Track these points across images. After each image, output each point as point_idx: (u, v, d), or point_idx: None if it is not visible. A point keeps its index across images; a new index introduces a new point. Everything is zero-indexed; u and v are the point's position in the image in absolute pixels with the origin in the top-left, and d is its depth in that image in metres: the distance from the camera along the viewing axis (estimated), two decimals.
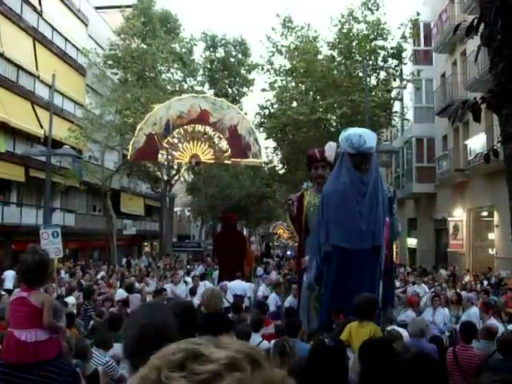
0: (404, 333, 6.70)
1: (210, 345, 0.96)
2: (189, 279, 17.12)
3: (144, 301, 13.00)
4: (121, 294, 13.00)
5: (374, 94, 25.24)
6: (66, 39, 32.32)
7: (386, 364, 3.41)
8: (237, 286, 13.64)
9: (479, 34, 3.95)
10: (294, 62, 26.78)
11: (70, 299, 11.62)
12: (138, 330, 2.36)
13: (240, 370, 0.91)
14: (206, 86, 36.64)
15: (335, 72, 25.71)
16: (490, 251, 23.18)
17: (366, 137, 7.67)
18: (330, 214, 7.66)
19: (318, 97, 26.57)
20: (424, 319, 8.01)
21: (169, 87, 32.59)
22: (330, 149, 9.79)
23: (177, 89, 32.11)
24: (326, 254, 7.65)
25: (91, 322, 9.79)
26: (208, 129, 15.98)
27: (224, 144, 16.02)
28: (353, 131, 7.85)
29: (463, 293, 13.01)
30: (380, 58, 26.62)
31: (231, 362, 0.92)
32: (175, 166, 33.65)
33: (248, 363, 0.93)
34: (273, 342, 6.53)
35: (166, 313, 2.53)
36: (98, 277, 18.45)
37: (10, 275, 17.60)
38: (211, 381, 0.90)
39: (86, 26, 35.31)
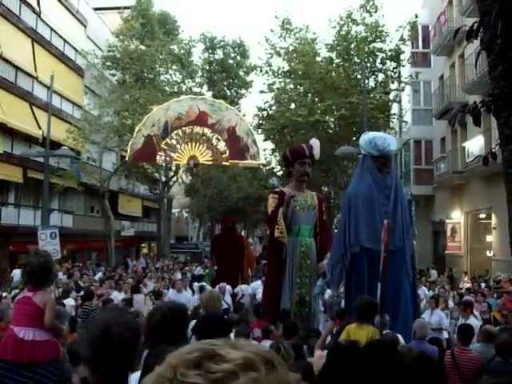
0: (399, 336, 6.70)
1: (225, 346, 0.97)
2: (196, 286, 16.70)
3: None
4: (116, 296, 12.98)
5: (372, 96, 25.24)
6: (65, 40, 32.30)
7: (389, 365, 3.41)
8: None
9: (479, 38, 3.96)
10: (293, 64, 26.79)
11: (69, 301, 11.59)
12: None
13: (255, 370, 0.93)
14: (205, 87, 36.71)
15: (333, 74, 25.72)
16: (488, 253, 23.20)
17: (390, 140, 8.02)
18: (358, 216, 7.77)
19: (317, 99, 26.58)
20: (426, 321, 8.01)
21: (167, 88, 32.58)
22: (317, 146, 9.82)
23: (175, 90, 32.10)
24: (354, 256, 7.70)
25: None
26: (206, 130, 15.97)
27: (222, 145, 16.01)
28: (377, 134, 8.20)
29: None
30: (378, 60, 26.64)
31: (246, 362, 0.93)
32: (173, 168, 33.64)
33: (263, 364, 0.94)
34: (267, 344, 6.52)
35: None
36: (96, 278, 18.43)
37: (18, 274, 17.70)
38: (226, 380, 0.91)
39: (85, 27, 35.30)
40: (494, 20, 3.58)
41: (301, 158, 9.74)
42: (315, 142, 10.07)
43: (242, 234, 44.15)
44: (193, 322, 7.19)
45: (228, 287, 14.62)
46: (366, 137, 8.05)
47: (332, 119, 26.85)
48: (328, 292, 13.59)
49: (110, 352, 2.29)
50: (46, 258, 5.62)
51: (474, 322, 9.58)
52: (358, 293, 7.29)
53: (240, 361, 0.93)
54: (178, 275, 20.03)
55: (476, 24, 3.99)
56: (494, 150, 4.63)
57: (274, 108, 28.73)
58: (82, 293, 12.81)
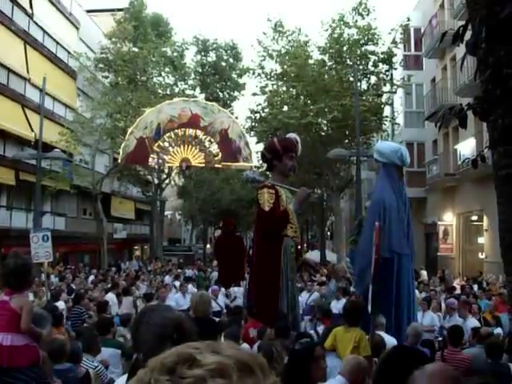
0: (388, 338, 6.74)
1: (207, 350, 0.98)
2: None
3: (134, 305, 13.02)
4: (110, 297, 12.97)
5: (364, 98, 25.33)
6: (57, 42, 32.25)
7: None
8: None
9: (465, 42, 4.00)
10: (285, 67, 26.83)
11: (61, 304, 11.56)
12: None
13: (225, 376, 0.92)
14: (197, 89, 36.65)
15: (326, 76, 25.77)
16: (480, 255, 23.31)
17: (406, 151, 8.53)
18: (392, 223, 8.07)
19: (309, 101, 26.63)
20: (420, 327, 8.05)
21: (160, 91, 32.56)
22: (298, 141, 9.74)
23: (168, 92, 32.08)
24: (384, 260, 7.85)
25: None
26: (199, 133, 15.99)
27: (215, 148, 16.04)
28: (399, 145, 8.84)
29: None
30: (371, 63, 26.72)
31: (218, 368, 0.93)
32: (166, 170, 33.62)
33: (237, 370, 0.94)
34: (256, 345, 6.53)
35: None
36: (89, 280, 18.40)
37: None
38: None
39: (78, 29, 35.25)
40: (479, 25, 3.62)
41: (291, 151, 9.33)
42: (296, 137, 9.85)
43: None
44: None
45: (222, 289, 14.68)
46: (391, 146, 8.50)
47: (324, 121, 26.89)
48: (315, 294, 13.67)
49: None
50: (25, 260, 5.50)
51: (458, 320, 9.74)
52: (385, 297, 7.57)
53: (212, 366, 0.93)
54: (167, 279, 19.93)
55: (462, 28, 4.04)
56: (483, 154, 4.67)
57: (266, 110, 28.75)
58: (73, 295, 12.81)
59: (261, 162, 10.54)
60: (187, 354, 0.96)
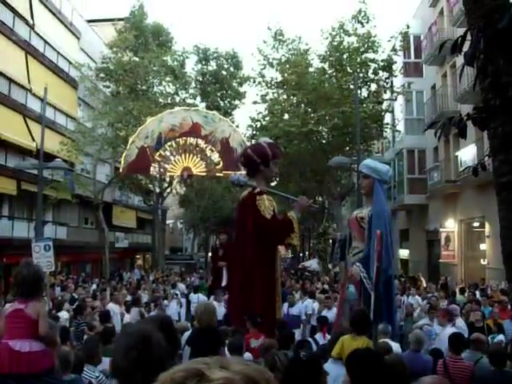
0: (395, 346, 6.74)
1: (215, 365, 1.00)
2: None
3: (142, 315, 13.00)
4: (111, 307, 12.96)
5: (365, 106, 25.37)
6: (58, 52, 32.35)
7: (374, 375, 3.43)
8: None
9: (463, 53, 4.03)
10: (286, 75, 26.89)
11: (63, 314, 11.55)
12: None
13: None
14: (198, 98, 36.75)
15: (326, 84, 25.83)
16: (482, 262, 23.26)
17: None
18: (391, 235, 8.64)
19: (310, 109, 26.68)
20: (423, 334, 8.02)
21: (161, 100, 32.66)
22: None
23: (169, 102, 32.19)
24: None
25: (85, 337, 9.73)
26: (200, 141, 15.98)
27: (216, 157, 16.02)
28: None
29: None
30: (371, 71, 26.78)
31: (225, 383, 0.95)
32: (167, 179, 33.65)
33: None
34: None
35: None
36: (90, 290, 18.40)
37: None
38: None
39: (78, 39, 35.38)
40: (477, 35, 3.65)
41: (278, 157, 9.38)
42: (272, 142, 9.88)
43: None
44: (187, 334, 7.20)
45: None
46: (384, 167, 9.00)
47: (325, 129, 26.94)
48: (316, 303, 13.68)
49: (148, 361, 2.29)
50: (37, 269, 5.65)
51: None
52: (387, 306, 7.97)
53: (220, 381, 0.95)
54: (181, 287, 20.11)
55: (460, 39, 4.06)
56: (483, 161, 4.69)
57: (267, 119, 28.81)
58: (75, 305, 12.79)
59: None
60: (196, 370, 0.99)
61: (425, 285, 20.41)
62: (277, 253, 9.07)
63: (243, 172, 14.93)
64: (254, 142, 29.23)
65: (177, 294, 18.12)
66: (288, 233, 8.69)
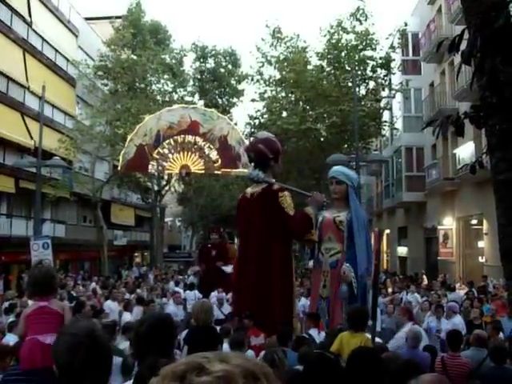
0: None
1: (215, 359, 1.04)
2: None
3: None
4: (108, 305, 12.97)
5: (363, 103, 25.39)
6: (56, 50, 32.31)
7: (373, 373, 3.45)
8: None
9: (460, 52, 4.04)
10: (284, 73, 26.91)
11: None
12: None
13: (231, 383, 0.99)
14: (196, 96, 36.74)
15: (324, 82, 25.85)
16: (480, 259, 23.28)
17: None
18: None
19: (308, 107, 26.70)
20: (419, 331, 8.00)
21: (159, 98, 32.65)
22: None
23: (167, 99, 32.14)
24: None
25: None
26: (198, 139, 15.97)
27: (214, 154, 16.02)
28: None
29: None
30: (369, 68, 26.79)
31: (225, 375, 0.99)
32: (166, 177, 33.64)
33: (243, 377, 1.00)
34: (263, 353, 6.51)
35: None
36: (90, 288, 18.38)
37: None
38: None
39: (76, 36, 35.34)
40: (474, 35, 3.66)
41: (281, 153, 9.46)
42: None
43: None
44: (185, 332, 7.20)
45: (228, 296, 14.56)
46: (354, 174, 9.79)
47: (323, 127, 26.95)
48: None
49: (97, 357, 2.35)
50: (48, 267, 5.90)
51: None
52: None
53: (219, 373, 0.99)
54: (171, 284, 19.99)
55: (457, 38, 4.08)
56: (481, 159, 4.71)
57: (265, 116, 28.83)
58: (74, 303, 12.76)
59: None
60: (196, 363, 1.03)
61: (426, 282, 20.44)
62: (291, 250, 9.31)
63: (241, 169, 14.93)
64: (252, 138, 29.33)
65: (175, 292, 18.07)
66: (308, 229, 8.68)
